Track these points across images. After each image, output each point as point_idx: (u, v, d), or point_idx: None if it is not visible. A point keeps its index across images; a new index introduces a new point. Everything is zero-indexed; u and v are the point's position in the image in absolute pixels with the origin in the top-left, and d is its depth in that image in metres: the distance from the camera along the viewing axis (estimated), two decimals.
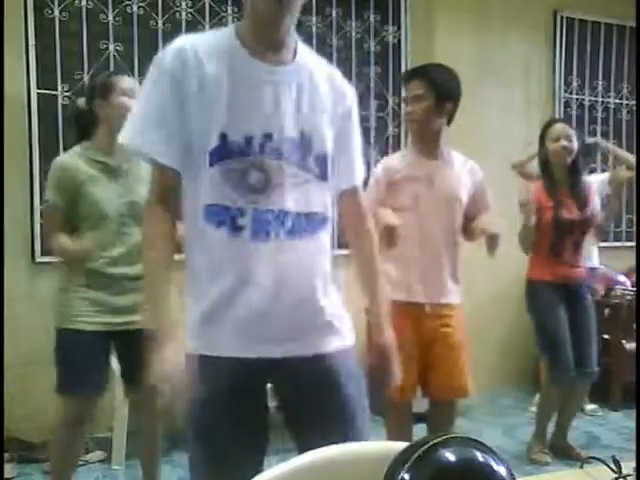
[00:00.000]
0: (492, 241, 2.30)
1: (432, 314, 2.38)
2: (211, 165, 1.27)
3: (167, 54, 1.28)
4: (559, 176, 3.11)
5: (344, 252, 1.53)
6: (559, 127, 3.12)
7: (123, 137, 1.32)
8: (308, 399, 1.37)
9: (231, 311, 1.30)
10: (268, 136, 1.29)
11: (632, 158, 3.78)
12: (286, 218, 1.31)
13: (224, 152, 1.27)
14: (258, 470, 1.25)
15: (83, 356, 2.24)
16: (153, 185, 1.35)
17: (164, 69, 1.28)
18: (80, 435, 2.35)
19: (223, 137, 1.26)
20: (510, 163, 3.85)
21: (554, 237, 3.09)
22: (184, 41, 1.30)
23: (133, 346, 2.26)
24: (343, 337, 1.42)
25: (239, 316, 1.30)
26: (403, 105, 2.48)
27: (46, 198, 2.30)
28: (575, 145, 3.08)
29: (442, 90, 2.31)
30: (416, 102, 2.34)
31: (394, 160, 2.46)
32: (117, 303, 2.25)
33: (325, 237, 1.39)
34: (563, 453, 3.21)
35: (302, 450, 1.36)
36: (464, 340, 2.44)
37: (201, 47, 1.28)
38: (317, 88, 1.36)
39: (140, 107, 1.32)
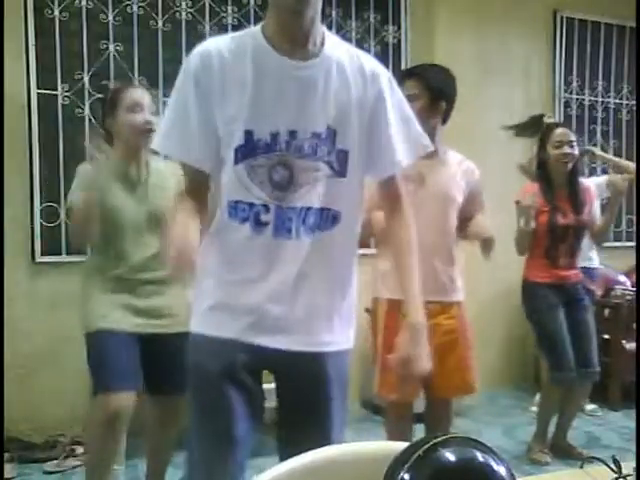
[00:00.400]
0: (486, 244, 2.31)
1: (427, 312, 2.35)
2: (237, 162, 1.30)
3: (192, 58, 1.32)
4: (558, 180, 3.10)
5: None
6: (561, 132, 3.10)
7: (153, 143, 1.38)
8: (296, 394, 1.41)
9: (245, 303, 1.34)
10: (293, 132, 1.30)
11: (632, 165, 3.76)
12: (308, 215, 1.33)
13: (250, 149, 1.29)
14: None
15: (118, 353, 2.21)
16: (185, 183, 1.40)
17: (189, 73, 1.32)
18: (119, 434, 2.30)
19: (249, 134, 1.29)
20: (518, 165, 3.78)
21: (549, 241, 3.09)
22: (209, 44, 1.33)
23: (155, 351, 2.25)
24: (345, 339, 1.45)
25: (253, 309, 1.34)
26: None
27: (71, 200, 2.27)
28: (577, 150, 3.08)
29: (437, 90, 2.33)
30: (410, 102, 2.35)
31: None
32: (141, 305, 2.24)
33: (342, 235, 1.39)
34: (564, 453, 3.21)
35: (280, 443, 1.43)
36: (467, 337, 2.44)
37: (226, 48, 1.31)
38: (345, 79, 1.35)
39: (167, 112, 1.36)
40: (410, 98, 2.35)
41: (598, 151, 4.08)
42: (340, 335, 1.43)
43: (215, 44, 1.32)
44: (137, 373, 2.25)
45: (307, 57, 1.32)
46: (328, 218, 1.36)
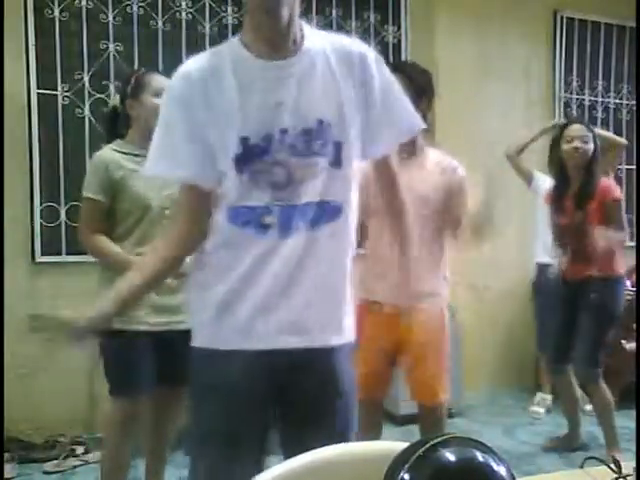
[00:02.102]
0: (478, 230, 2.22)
1: (402, 314, 2.29)
2: (238, 170, 1.29)
3: (175, 81, 1.34)
4: (572, 177, 3.07)
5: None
6: (575, 128, 3.09)
7: (145, 169, 1.37)
8: (306, 391, 1.38)
9: (250, 303, 1.33)
10: (284, 131, 1.30)
11: (618, 138, 3.73)
12: (307, 210, 1.32)
13: (248, 155, 1.29)
14: (260, 468, 1.27)
15: (139, 357, 2.22)
16: (179, 203, 1.43)
17: (173, 98, 1.34)
18: (132, 435, 2.31)
19: (245, 140, 1.29)
20: (506, 151, 3.69)
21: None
22: (188, 65, 1.33)
23: (169, 346, 2.20)
24: (348, 332, 1.44)
25: (259, 308, 1.33)
26: None
27: (86, 195, 2.22)
28: (590, 147, 3.04)
29: (419, 87, 2.27)
30: None
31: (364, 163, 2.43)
32: (163, 303, 2.21)
33: (341, 226, 1.38)
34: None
35: (286, 444, 1.41)
36: (439, 343, 2.35)
37: (206, 65, 1.32)
38: (330, 69, 1.34)
39: (155, 138, 1.36)
40: None
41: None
42: (346, 328, 1.43)
43: (194, 64, 1.33)
44: (154, 374, 2.26)
45: (285, 55, 1.32)
46: (329, 211, 1.35)
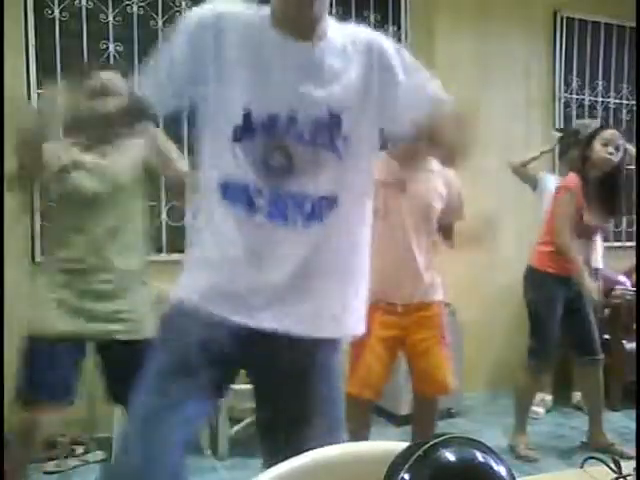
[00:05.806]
0: (485, 231, 2.49)
1: (404, 313, 2.49)
2: (235, 140, 1.26)
3: (191, 14, 1.31)
4: (596, 178, 3.06)
5: None
6: (611, 133, 3.11)
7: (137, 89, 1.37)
8: (285, 383, 1.33)
9: (236, 289, 1.29)
10: (293, 116, 1.26)
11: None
12: (305, 202, 1.28)
13: (248, 129, 1.26)
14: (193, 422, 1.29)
15: (48, 360, 2.06)
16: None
17: (183, 27, 1.30)
18: (34, 446, 2.15)
19: (247, 113, 1.25)
20: (510, 164, 3.80)
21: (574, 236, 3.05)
22: (212, 6, 1.30)
23: (114, 359, 2.11)
24: (344, 326, 1.39)
25: (243, 294, 1.28)
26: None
27: None
28: (618, 156, 3.05)
29: None
30: None
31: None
32: (93, 309, 2.10)
33: (342, 223, 1.33)
34: (605, 449, 3.13)
35: (265, 437, 1.39)
36: (444, 335, 2.55)
37: (227, 15, 1.28)
38: (350, 63, 1.30)
39: (154, 60, 1.34)
40: None
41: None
42: (340, 323, 1.37)
43: (217, 8, 1.29)
44: (69, 382, 2.10)
45: (310, 41, 1.28)
46: (329, 206, 1.30)
